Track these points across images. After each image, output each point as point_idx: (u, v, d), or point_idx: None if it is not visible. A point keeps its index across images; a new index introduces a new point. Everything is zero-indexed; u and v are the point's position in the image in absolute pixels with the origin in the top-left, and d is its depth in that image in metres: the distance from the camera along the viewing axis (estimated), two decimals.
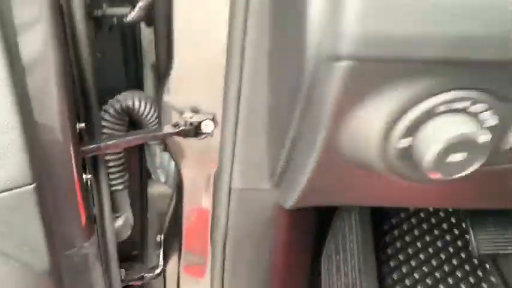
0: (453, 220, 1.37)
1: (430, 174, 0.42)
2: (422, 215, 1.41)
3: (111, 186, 0.80)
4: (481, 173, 0.50)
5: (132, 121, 0.83)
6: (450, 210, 1.37)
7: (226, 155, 0.74)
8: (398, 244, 1.36)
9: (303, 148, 0.52)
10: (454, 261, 1.35)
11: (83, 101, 0.67)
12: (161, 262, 0.98)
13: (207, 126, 0.75)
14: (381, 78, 0.39)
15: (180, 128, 0.73)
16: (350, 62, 0.38)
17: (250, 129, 0.70)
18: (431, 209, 1.41)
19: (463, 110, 0.41)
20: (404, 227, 1.38)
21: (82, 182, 0.66)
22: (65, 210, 0.65)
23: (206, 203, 0.86)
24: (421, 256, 1.34)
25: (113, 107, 0.77)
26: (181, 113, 0.75)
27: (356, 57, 0.37)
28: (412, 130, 0.42)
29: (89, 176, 0.70)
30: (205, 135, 0.75)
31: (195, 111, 0.75)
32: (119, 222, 0.82)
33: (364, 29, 0.36)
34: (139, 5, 0.70)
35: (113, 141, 0.68)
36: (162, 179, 0.91)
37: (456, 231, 1.35)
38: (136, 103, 0.78)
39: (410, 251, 1.35)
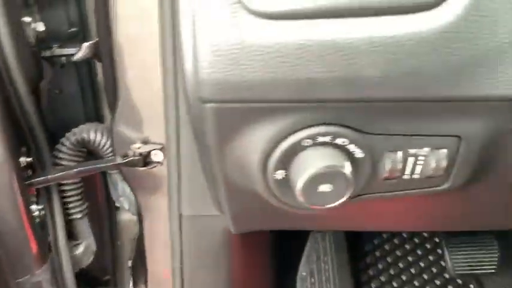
0: (436, 240, 1.36)
1: (304, 204, 0.44)
2: (404, 235, 1.40)
3: (69, 214, 0.83)
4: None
5: (91, 152, 0.87)
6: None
7: (173, 184, 0.77)
8: (380, 265, 1.36)
9: (211, 178, 0.54)
10: (437, 282, 1.33)
11: (31, 137, 0.71)
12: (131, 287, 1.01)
13: (156, 156, 0.78)
14: (244, 117, 0.42)
15: (129, 159, 0.76)
16: (212, 104, 0.41)
17: (191, 159, 0.73)
18: None
19: (330, 144, 0.43)
20: (386, 247, 1.37)
21: (30, 212, 0.70)
22: (14, 240, 0.69)
23: (165, 230, 0.89)
24: (403, 277, 1.33)
25: (68, 140, 0.81)
26: (132, 143, 0.78)
27: (214, 100, 0.41)
28: (285, 163, 0.44)
29: (40, 207, 0.74)
30: (154, 165, 0.78)
31: (146, 141, 0.78)
32: (80, 249, 0.86)
33: (216, 77, 0.40)
34: (85, 44, 0.74)
35: (60, 173, 0.72)
36: (126, 207, 0.94)
37: (439, 251, 1.34)
38: (92, 135, 0.82)
39: (392, 271, 1.34)
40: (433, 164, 0.46)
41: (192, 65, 0.40)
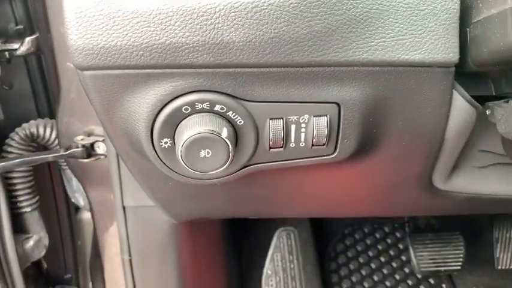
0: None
1: (189, 171, 0.45)
2: (377, 235, 1.40)
3: (18, 208, 0.85)
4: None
5: (44, 147, 0.89)
6: (406, 230, 1.35)
7: (114, 175, 0.78)
8: (351, 266, 1.35)
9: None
10: (410, 282, 1.32)
11: None
12: (90, 286, 1.02)
13: (99, 148, 0.79)
14: (122, 84, 0.43)
15: (71, 150, 0.78)
16: (90, 72, 0.42)
17: None
18: (387, 230, 1.40)
19: (209, 111, 0.44)
20: (358, 248, 1.36)
21: None
22: None
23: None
24: (375, 277, 1.32)
25: (17, 135, 0.83)
26: (76, 136, 0.80)
27: (89, 67, 0.42)
28: (169, 131, 0.45)
29: None
30: (98, 157, 0.80)
31: (90, 134, 0.80)
32: (30, 242, 0.87)
33: (83, 43, 0.41)
34: (28, 39, 0.77)
35: (0, 164, 0.74)
36: (81, 203, 0.96)
37: None
38: (41, 130, 0.84)
39: (364, 272, 1.33)
40: (315, 132, 0.46)
41: (67, 38, 0.42)
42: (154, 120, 0.45)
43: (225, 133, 0.43)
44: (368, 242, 1.36)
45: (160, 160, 0.47)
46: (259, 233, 1.20)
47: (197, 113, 0.44)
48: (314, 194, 0.58)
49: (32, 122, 0.85)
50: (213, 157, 0.43)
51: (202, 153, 0.43)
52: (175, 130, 0.45)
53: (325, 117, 0.45)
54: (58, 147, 0.85)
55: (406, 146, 0.50)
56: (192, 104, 0.44)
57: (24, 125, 0.85)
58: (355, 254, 1.34)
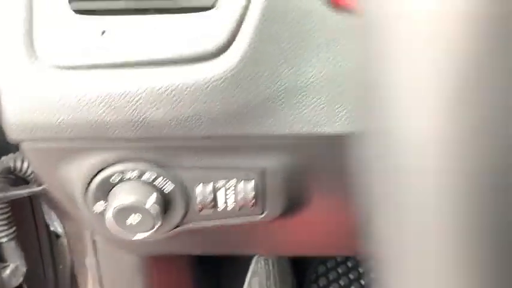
0: None
1: (118, 235, 0.48)
2: (359, 258, 1.41)
3: None
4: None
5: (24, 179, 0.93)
6: None
7: None
8: None
9: None
10: None
11: None
12: None
13: None
14: (56, 155, 0.47)
15: (44, 186, 0.81)
16: (24, 143, 0.46)
17: None
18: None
19: (138, 179, 0.47)
20: (339, 270, 1.38)
21: None
22: None
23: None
24: None
25: None
26: None
27: (22, 140, 0.45)
28: (101, 197, 0.49)
29: None
30: None
31: None
32: (6, 271, 0.90)
33: (17, 121, 0.45)
34: None
35: None
36: (59, 231, 0.99)
37: None
38: (18, 163, 0.88)
39: None
40: (242, 195, 0.49)
41: (3, 110, 0.45)
42: (87, 188, 0.48)
43: (150, 201, 0.46)
44: (349, 264, 1.38)
45: (95, 222, 0.50)
46: (236, 259, 1.22)
47: (126, 181, 0.47)
48: (260, 242, 0.60)
49: (10, 155, 0.89)
50: (140, 224, 0.47)
51: (130, 220, 0.47)
52: (107, 197, 0.48)
53: (252, 181, 0.48)
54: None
55: (339, 199, 0.52)
56: (121, 173, 0.47)
57: (3, 158, 0.88)
58: (336, 276, 1.36)
